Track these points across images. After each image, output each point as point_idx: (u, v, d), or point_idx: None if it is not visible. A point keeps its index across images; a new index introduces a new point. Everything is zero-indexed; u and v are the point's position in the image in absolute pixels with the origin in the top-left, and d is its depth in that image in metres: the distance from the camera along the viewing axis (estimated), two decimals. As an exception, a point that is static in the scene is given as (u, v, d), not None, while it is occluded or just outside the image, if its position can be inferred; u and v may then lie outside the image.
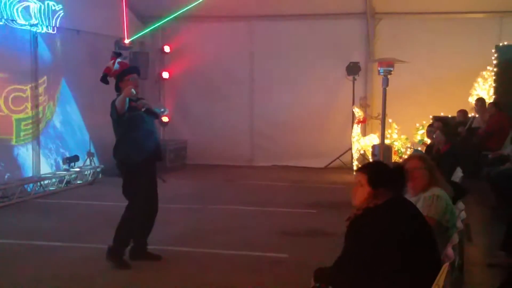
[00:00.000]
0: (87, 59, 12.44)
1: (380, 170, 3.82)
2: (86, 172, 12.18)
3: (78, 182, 11.91)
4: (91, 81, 12.38)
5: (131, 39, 13.18)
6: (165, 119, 14.65)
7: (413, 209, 3.78)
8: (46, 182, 11.07)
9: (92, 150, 12.60)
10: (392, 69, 9.87)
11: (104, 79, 6.54)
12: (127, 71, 6.55)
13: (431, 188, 4.73)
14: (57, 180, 11.40)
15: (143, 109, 6.48)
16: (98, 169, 12.50)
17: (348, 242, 3.64)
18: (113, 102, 6.35)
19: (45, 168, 11.48)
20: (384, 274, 3.42)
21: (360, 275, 3.48)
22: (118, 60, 6.53)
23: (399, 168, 3.97)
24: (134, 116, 6.34)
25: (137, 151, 6.35)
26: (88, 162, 12.44)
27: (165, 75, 15.15)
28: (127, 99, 6.19)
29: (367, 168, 3.88)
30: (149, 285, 5.84)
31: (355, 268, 3.52)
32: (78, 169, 12.04)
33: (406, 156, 12.95)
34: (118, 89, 6.47)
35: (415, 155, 5.12)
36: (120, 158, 6.46)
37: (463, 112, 12.23)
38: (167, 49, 15.07)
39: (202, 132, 14.86)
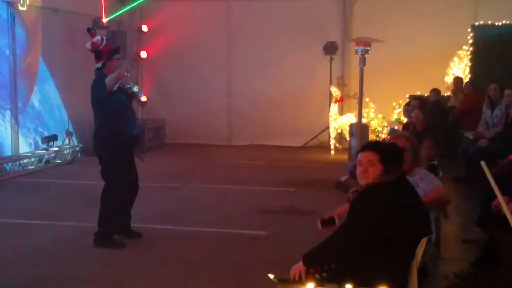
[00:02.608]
0: (64, 38, 12.37)
1: (390, 148, 3.84)
2: (65, 151, 12.16)
3: (57, 161, 11.88)
4: (69, 60, 12.37)
5: (108, 18, 13.08)
6: (143, 98, 14.60)
7: (413, 188, 3.85)
8: (25, 161, 11.05)
9: (71, 129, 12.56)
10: (369, 48, 9.97)
11: (98, 55, 6.43)
12: (116, 50, 6.52)
13: (416, 169, 4.67)
14: (36, 159, 11.36)
15: (129, 92, 6.48)
16: (77, 148, 12.48)
17: (353, 211, 3.69)
18: (96, 82, 6.31)
19: (24, 147, 11.44)
20: (383, 244, 3.48)
21: (358, 245, 3.52)
22: (105, 37, 6.54)
23: (398, 147, 3.97)
24: (119, 99, 6.31)
25: (120, 136, 6.36)
26: (67, 141, 12.41)
27: (143, 54, 15.07)
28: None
29: (376, 147, 3.82)
30: (129, 262, 5.92)
31: (355, 237, 3.55)
32: (57, 148, 12.02)
33: (383, 135, 13.13)
34: (102, 67, 6.38)
35: (401, 135, 4.91)
36: (102, 142, 6.40)
37: (436, 91, 12.38)
38: (145, 28, 14.98)
39: (181, 111, 14.86)
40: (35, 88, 11.92)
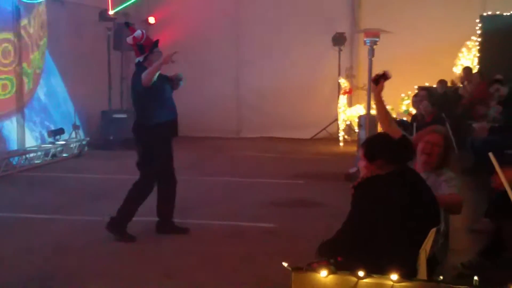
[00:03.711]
0: (71, 30, 12.34)
1: (376, 143, 3.87)
2: (71, 145, 12.11)
3: (64, 155, 11.84)
4: (76, 53, 12.36)
5: (115, 10, 13.03)
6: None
7: (416, 181, 3.81)
8: (31, 155, 10.99)
9: (78, 123, 12.53)
10: (378, 39, 9.89)
11: (141, 49, 6.44)
12: (156, 43, 6.58)
13: (445, 168, 4.68)
14: (43, 153, 11.32)
15: (175, 83, 6.66)
16: (84, 142, 12.45)
17: (351, 207, 3.74)
18: (136, 75, 6.35)
19: (30, 141, 11.40)
20: (377, 240, 3.51)
21: (356, 242, 3.57)
22: (144, 30, 6.54)
23: (403, 141, 3.96)
24: (157, 89, 6.36)
25: (157, 126, 6.42)
26: (73, 134, 12.39)
27: (150, 46, 15.00)
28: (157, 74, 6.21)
29: (365, 142, 3.94)
30: (138, 255, 5.87)
31: (353, 233, 3.62)
32: (63, 142, 11.97)
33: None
34: (144, 60, 6.43)
35: (440, 130, 4.91)
36: (140, 134, 6.44)
37: (443, 83, 12.33)
38: (152, 20, 14.93)
39: (189, 104, 14.70)
40: (41, 81, 11.90)
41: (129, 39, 6.46)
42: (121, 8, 13.40)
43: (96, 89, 12.69)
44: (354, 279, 3.17)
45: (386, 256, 3.38)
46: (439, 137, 4.73)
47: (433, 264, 3.83)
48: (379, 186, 3.65)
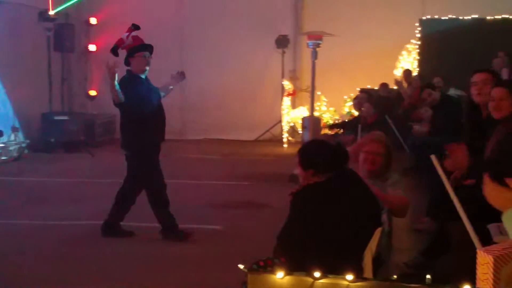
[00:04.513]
0: (8, 31, 11.99)
1: (310, 151, 3.91)
2: (11, 148, 11.77)
3: (3, 158, 11.49)
4: (14, 54, 12.02)
5: (55, 11, 12.75)
6: (92, 92, 14.38)
7: (355, 184, 3.84)
8: (-32, 158, 10.68)
9: (17, 125, 12.20)
10: (320, 42, 10.02)
11: (114, 51, 6.34)
12: (140, 47, 6.40)
13: (389, 173, 4.73)
14: (-20, 156, 11.01)
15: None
16: (24, 144, 12.14)
17: (289, 214, 3.78)
18: (120, 81, 6.27)
19: (-33, 144, 11.05)
20: (312, 249, 3.56)
21: (295, 248, 3.60)
22: (133, 34, 6.39)
23: (338, 148, 3.95)
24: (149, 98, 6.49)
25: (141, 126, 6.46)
26: (12, 137, 12.05)
27: (92, 47, 14.77)
28: (117, 85, 6.11)
29: (299, 150, 3.95)
30: (80, 260, 5.75)
31: (290, 239, 3.66)
32: (2, 145, 11.62)
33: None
34: (127, 63, 6.40)
35: (379, 138, 4.88)
36: (125, 139, 6.52)
37: (385, 86, 12.58)
38: (93, 21, 14.68)
39: (131, 105, 14.63)
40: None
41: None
42: (62, 9, 13.12)
43: (36, 91, 12.38)
44: (310, 279, 3.18)
45: (330, 258, 3.41)
46: (379, 146, 4.75)
47: (378, 263, 3.90)
48: (317, 193, 3.68)
